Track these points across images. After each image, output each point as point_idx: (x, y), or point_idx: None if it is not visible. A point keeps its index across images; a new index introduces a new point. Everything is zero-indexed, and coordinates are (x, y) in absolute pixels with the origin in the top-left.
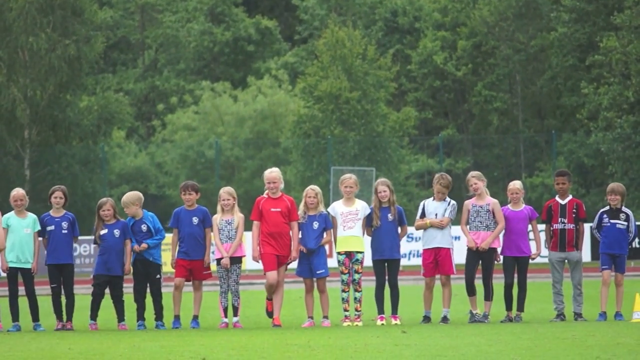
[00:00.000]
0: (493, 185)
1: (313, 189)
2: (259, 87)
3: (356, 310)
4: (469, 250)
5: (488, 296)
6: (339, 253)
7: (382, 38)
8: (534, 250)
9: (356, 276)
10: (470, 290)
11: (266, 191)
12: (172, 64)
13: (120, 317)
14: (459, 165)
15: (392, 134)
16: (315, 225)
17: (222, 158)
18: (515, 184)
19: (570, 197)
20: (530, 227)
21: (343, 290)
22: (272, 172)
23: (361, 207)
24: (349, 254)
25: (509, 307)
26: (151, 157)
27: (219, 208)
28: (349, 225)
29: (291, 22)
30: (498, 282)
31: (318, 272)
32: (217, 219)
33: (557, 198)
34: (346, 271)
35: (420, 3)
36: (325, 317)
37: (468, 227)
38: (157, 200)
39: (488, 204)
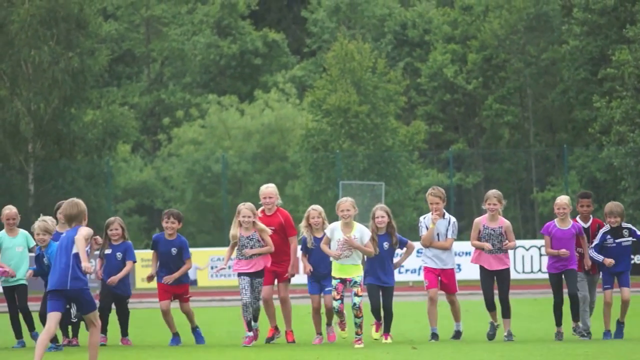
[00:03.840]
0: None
1: (315, 209)
2: (266, 100)
3: (356, 334)
4: (483, 269)
5: (507, 314)
6: (333, 277)
7: (391, 51)
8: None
9: (356, 300)
10: (490, 307)
11: (261, 207)
12: (178, 77)
13: (124, 332)
14: (470, 180)
15: (402, 148)
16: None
17: (229, 172)
18: (563, 199)
19: (591, 218)
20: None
21: (356, 316)
22: (268, 187)
23: (360, 234)
24: (343, 280)
25: (559, 323)
26: (157, 171)
27: (235, 223)
28: (346, 254)
29: (299, 35)
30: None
31: (327, 289)
32: (235, 234)
33: (578, 220)
34: (338, 297)
35: (430, 16)
36: (328, 323)
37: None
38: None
39: (501, 227)
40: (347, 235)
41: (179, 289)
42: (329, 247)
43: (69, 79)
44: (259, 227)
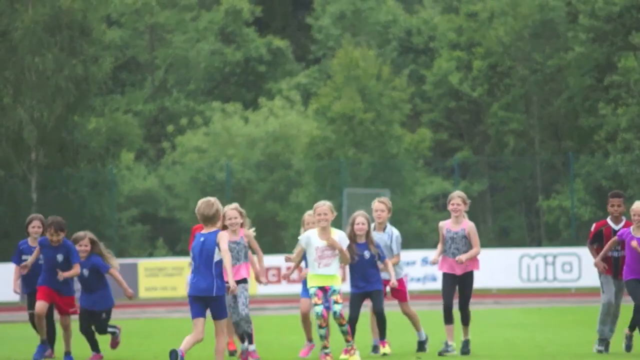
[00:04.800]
0: (509, 208)
1: (311, 215)
2: (271, 108)
3: (347, 341)
4: (445, 275)
5: (466, 320)
6: (310, 287)
7: (396, 58)
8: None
9: (336, 308)
10: (448, 318)
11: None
12: (182, 85)
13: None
14: (475, 188)
15: (407, 155)
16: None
17: (233, 180)
18: (639, 205)
19: (624, 220)
20: None
21: (320, 326)
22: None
23: (338, 239)
24: (322, 287)
25: (632, 329)
26: (161, 179)
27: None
28: (325, 263)
29: (303, 42)
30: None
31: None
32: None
33: (609, 221)
34: (320, 302)
35: (434, 22)
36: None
37: (445, 254)
38: (167, 224)
39: (464, 229)
40: (331, 239)
41: (60, 299)
42: (304, 256)
43: (72, 87)
44: (247, 232)
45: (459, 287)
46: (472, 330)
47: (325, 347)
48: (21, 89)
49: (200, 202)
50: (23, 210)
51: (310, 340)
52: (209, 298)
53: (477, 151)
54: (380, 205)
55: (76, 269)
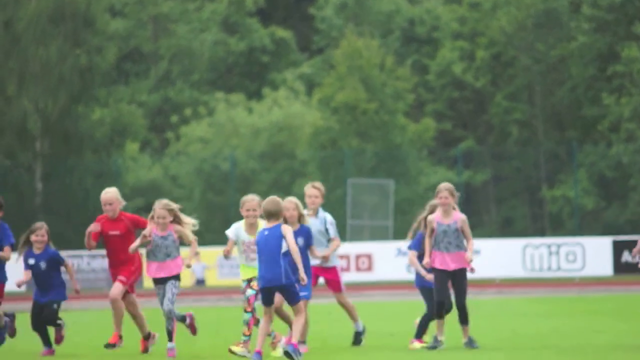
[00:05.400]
0: (513, 198)
1: (291, 200)
2: (275, 98)
3: (244, 334)
4: (437, 271)
5: (465, 320)
6: (243, 280)
7: (399, 48)
8: None
9: (249, 292)
10: (441, 313)
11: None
12: (186, 75)
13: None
14: (478, 178)
15: (411, 145)
16: (300, 241)
17: (238, 171)
18: None
19: None
20: None
21: (245, 310)
22: (107, 194)
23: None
24: (250, 280)
25: None
26: (165, 169)
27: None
28: (252, 257)
29: (306, 33)
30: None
31: (302, 294)
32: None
33: None
34: (256, 287)
35: (437, 12)
36: (302, 341)
37: (436, 249)
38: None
39: (455, 222)
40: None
41: None
42: (233, 249)
43: (76, 77)
44: (177, 227)
45: (453, 283)
46: (475, 320)
47: (244, 335)
48: (25, 79)
49: (265, 200)
50: (28, 199)
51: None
52: (278, 287)
53: (480, 141)
54: (315, 190)
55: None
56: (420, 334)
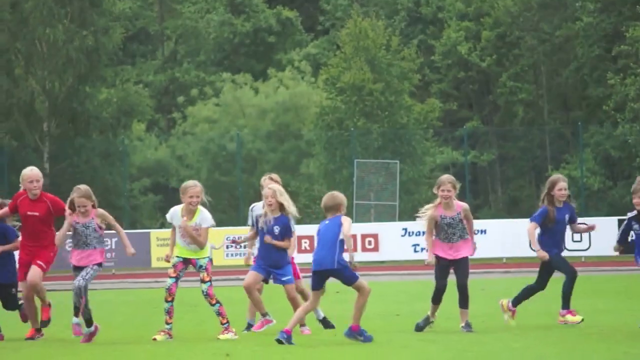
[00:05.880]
0: (519, 178)
1: (272, 188)
2: (281, 79)
3: (221, 323)
4: (439, 259)
5: (464, 304)
6: (176, 256)
7: (405, 28)
8: None
9: (203, 287)
10: (438, 299)
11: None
12: (192, 56)
13: None
14: (484, 158)
15: (416, 125)
16: (276, 230)
17: (244, 151)
18: None
19: None
20: None
21: (165, 300)
22: (33, 170)
23: (202, 219)
24: (186, 260)
25: None
26: (172, 149)
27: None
28: (188, 241)
29: (312, 13)
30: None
31: (284, 279)
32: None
33: None
34: (174, 274)
35: None
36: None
37: (437, 238)
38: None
39: (459, 213)
40: (183, 221)
41: None
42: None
43: (83, 58)
44: (99, 212)
45: (455, 269)
46: (483, 300)
47: (167, 323)
48: (32, 60)
49: (325, 196)
50: None
51: (264, 314)
52: (331, 271)
53: (486, 121)
54: (272, 182)
55: None
56: (567, 304)
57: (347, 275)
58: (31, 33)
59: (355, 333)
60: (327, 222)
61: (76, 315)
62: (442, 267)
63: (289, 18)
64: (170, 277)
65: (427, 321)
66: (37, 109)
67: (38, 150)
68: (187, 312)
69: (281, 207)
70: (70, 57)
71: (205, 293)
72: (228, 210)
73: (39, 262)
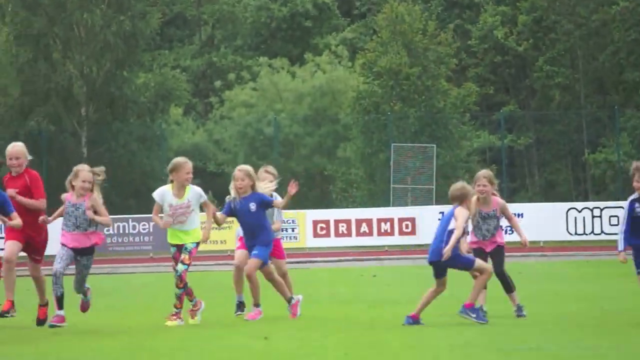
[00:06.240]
0: (555, 162)
1: (242, 169)
2: (318, 63)
3: (175, 307)
4: (474, 249)
5: (508, 288)
6: (171, 244)
7: (441, 13)
8: None
9: (180, 268)
10: (507, 288)
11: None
12: (229, 40)
13: None
14: (521, 142)
15: (453, 110)
16: (253, 207)
17: (281, 135)
18: None
19: None
20: None
21: (177, 286)
22: (15, 147)
23: (193, 197)
24: (179, 247)
25: None
26: (209, 134)
27: (75, 192)
28: (180, 220)
29: None
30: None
31: (253, 251)
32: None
33: None
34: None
35: None
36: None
37: (472, 232)
38: (215, 178)
39: (495, 210)
40: (177, 202)
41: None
42: (162, 214)
43: (120, 42)
44: (93, 196)
45: (491, 257)
46: (520, 283)
47: (176, 307)
48: (70, 45)
49: (453, 185)
50: (74, 165)
51: (257, 305)
52: (441, 262)
53: (523, 105)
54: (268, 175)
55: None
56: None
57: (462, 262)
58: (69, 18)
59: (468, 310)
60: (444, 211)
61: (60, 307)
62: (478, 254)
63: (326, 2)
64: (183, 262)
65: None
66: (75, 93)
67: (76, 134)
68: (225, 296)
69: (252, 187)
70: (107, 41)
71: (178, 274)
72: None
73: (36, 257)
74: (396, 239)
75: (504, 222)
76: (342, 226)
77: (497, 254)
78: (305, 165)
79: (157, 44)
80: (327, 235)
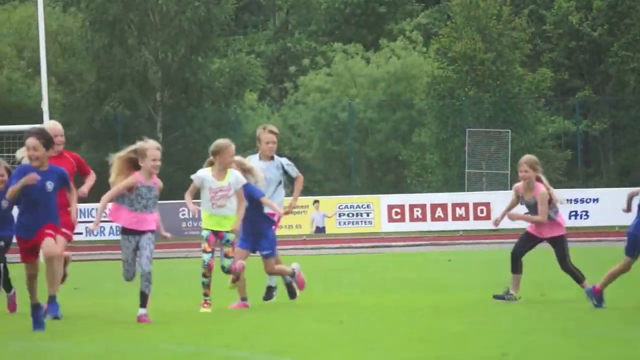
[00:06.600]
0: (631, 147)
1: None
2: (392, 48)
3: (204, 295)
4: (528, 233)
5: (578, 280)
6: (204, 228)
7: None
8: None
9: (226, 263)
10: (515, 268)
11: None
12: (304, 26)
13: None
14: (596, 127)
15: (528, 95)
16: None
17: (356, 120)
18: None
19: None
20: None
21: (204, 275)
22: (55, 124)
23: (234, 181)
24: (215, 232)
25: None
26: (284, 119)
27: (144, 170)
28: (219, 204)
29: None
30: None
31: (265, 252)
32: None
33: None
34: (209, 249)
35: None
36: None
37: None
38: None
39: (534, 197)
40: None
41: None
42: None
43: (195, 28)
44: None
45: (554, 251)
46: (599, 269)
47: (206, 295)
48: (145, 30)
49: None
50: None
51: (243, 298)
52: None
53: (598, 90)
54: (272, 136)
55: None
56: None
57: (560, 247)
58: (144, 4)
59: (594, 295)
60: None
61: (143, 305)
62: (527, 238)
63: None
64: (206, 252)
65: (508, 294)
66: (150, 79)
67: (151, 119)
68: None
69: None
70: (182, 27)
71: (227, 270)
72: (340, 179)
73: (63, 229)
74: (471, 224)
75: (568, 208)
76: (417, 211)
77: (557, 247)
78: (380, 150)
79: (231, 30)
80: (402, 220)
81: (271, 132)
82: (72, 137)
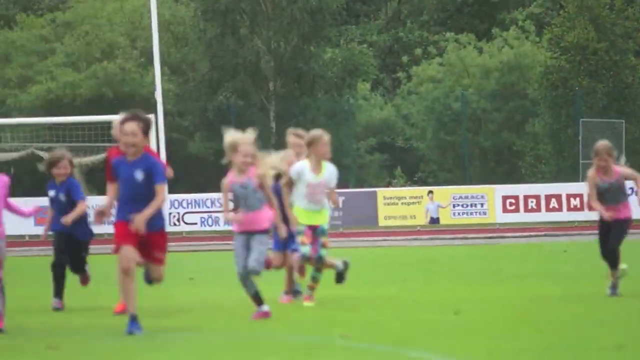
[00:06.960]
0: None
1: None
2: (505, 38)
3: (309, 288)
4: (601, 221)
5: (613, 264)
6: (299, 223)
7: None
8: None
9: (323, 252)
10: (610, 263)
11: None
12: (416, 15)
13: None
14: None
15: None
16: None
17: (469, 110)
18: None
19: None
20: None
21: (317, 270)
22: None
23: (330, 176)
24: (311, 227)
25: None
26: (397, 109)
27: (235, 166)
28: (316, 199)
29: None
30: None
31: (293, 247)
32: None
33: None
34: (307, 241)
35: None
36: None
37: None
38: (404, 153)
39: (617, 179)
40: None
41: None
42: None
43: (307, 17)
44: (259, 172)
45: (611, 231)
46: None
47: (312, 289)
48: (257, 20)
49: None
50: (263, 139)
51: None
52: None
53: None
54: (299, 140)
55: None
56: None
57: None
58: None
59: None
60: None
61: (260, 303)
62: (604, 232)
63: None
64: (304, 244)
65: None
66: (262, 68)
67: (264, 109)
68: (409, 272)
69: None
70: (294, 16)
71: (322, 259)
72: (454, 170)
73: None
74: (586, 215)
75: None
76: (532, 201)
77: (617, 228)
78: (494, 140)
79: (343, 19)
80: (517, 210)
81: (297, 135)
82: (186, 128)
